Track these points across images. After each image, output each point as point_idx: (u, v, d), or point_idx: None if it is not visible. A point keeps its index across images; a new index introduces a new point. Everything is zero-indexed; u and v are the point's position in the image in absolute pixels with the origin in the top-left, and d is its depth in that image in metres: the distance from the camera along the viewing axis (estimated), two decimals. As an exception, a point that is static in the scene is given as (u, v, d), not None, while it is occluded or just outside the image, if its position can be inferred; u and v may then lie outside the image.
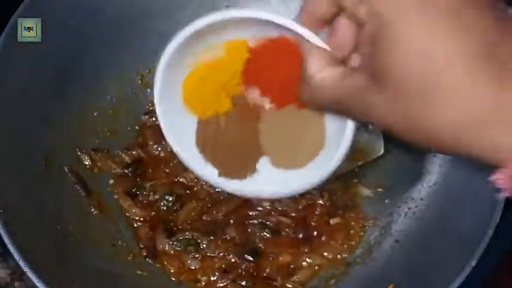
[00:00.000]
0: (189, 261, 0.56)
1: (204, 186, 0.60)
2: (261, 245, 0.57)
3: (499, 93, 0.28)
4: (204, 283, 0.55)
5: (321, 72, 0.35)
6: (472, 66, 0.28)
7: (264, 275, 0.56)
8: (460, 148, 0.30)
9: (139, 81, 0.63)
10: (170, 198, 0.59)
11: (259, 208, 0.59)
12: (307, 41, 0.37)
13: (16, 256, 0.45)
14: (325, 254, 0.57)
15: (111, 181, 0.59)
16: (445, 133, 0.30)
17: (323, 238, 0.58)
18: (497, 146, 0.29)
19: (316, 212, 0.59)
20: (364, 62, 0.32)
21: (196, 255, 0.56)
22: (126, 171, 0.60)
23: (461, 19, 0.29)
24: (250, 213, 0.59)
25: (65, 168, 0.57)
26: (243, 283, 0.55)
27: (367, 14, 0.31)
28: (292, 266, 0.57)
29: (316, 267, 0.57)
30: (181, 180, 0.60)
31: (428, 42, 0.29)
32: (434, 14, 0.29)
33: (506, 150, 0.29)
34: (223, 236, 0.57)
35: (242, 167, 0.48)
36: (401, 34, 0.29)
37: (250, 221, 0.58)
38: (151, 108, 0.63)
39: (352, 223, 0.59)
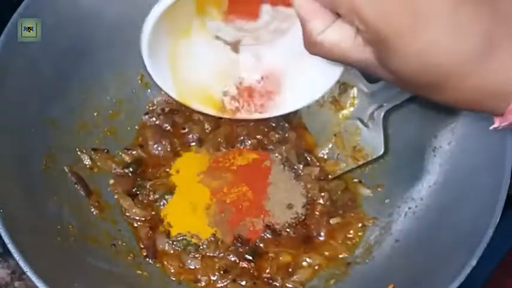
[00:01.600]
0: (189, 261, 0.56)
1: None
2: (261, 245, 0.57)
3: (490, 26, 0.30)
4: (204, 283, 0.55)
5: (326, 33, 0.34)
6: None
7: (264, 275, 0.56)
8: (463, 88, 0.32)
9: (139, 81, 0.63)
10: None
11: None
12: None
13: (16, 256, 0.45)
14: (325, 254, 0.57)
15: (111, 181, 0.59)
16: (449, 73, 0.31)
17: (323, 238, 0.58)
18: (492, 80, 0.31)
19: (316, 212, 0.59)
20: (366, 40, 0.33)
21: (196, 255, 0.56)
22: (126, 171, 0.60)
23: None
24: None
25: (65, 168, 0.57)
26: (243, 283, 0.55)
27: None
28: (292, 266, 0.57)
29: (316, 267, 0.57)
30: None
31: None
32: None
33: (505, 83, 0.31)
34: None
35: None
36: None
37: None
38: (151, 108, 0.63)
39: (352, 223, 0.59)
